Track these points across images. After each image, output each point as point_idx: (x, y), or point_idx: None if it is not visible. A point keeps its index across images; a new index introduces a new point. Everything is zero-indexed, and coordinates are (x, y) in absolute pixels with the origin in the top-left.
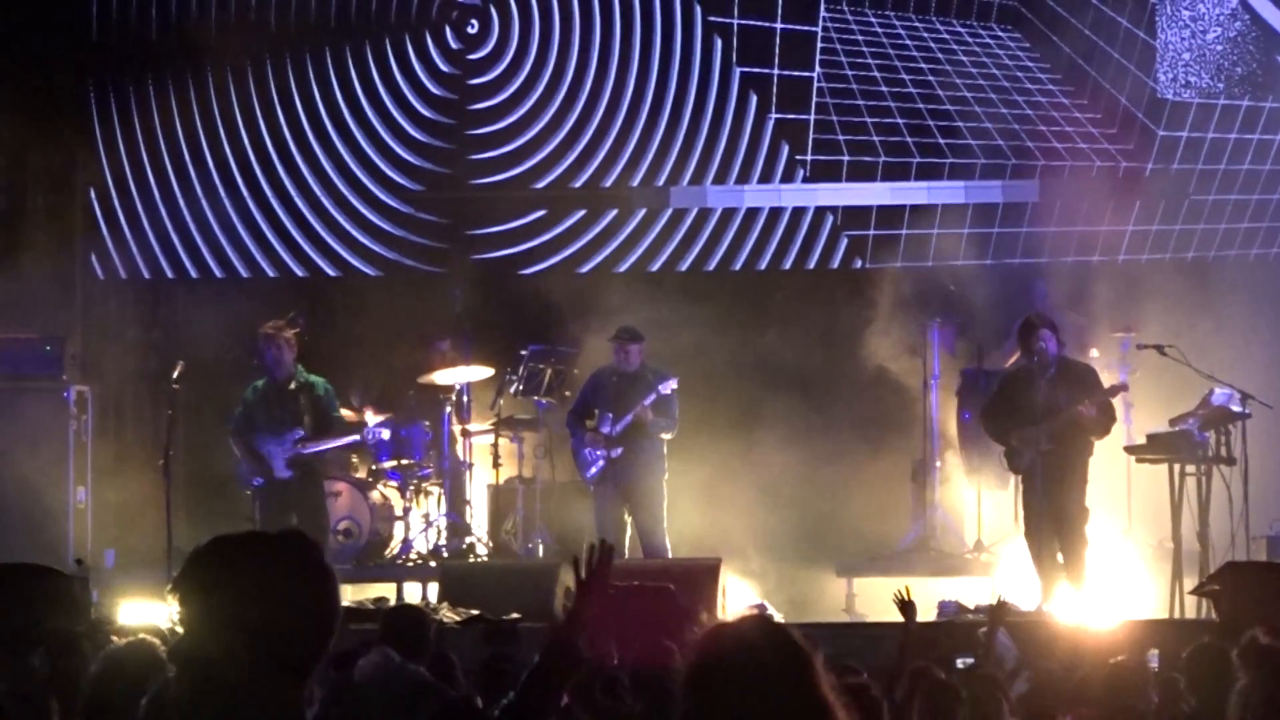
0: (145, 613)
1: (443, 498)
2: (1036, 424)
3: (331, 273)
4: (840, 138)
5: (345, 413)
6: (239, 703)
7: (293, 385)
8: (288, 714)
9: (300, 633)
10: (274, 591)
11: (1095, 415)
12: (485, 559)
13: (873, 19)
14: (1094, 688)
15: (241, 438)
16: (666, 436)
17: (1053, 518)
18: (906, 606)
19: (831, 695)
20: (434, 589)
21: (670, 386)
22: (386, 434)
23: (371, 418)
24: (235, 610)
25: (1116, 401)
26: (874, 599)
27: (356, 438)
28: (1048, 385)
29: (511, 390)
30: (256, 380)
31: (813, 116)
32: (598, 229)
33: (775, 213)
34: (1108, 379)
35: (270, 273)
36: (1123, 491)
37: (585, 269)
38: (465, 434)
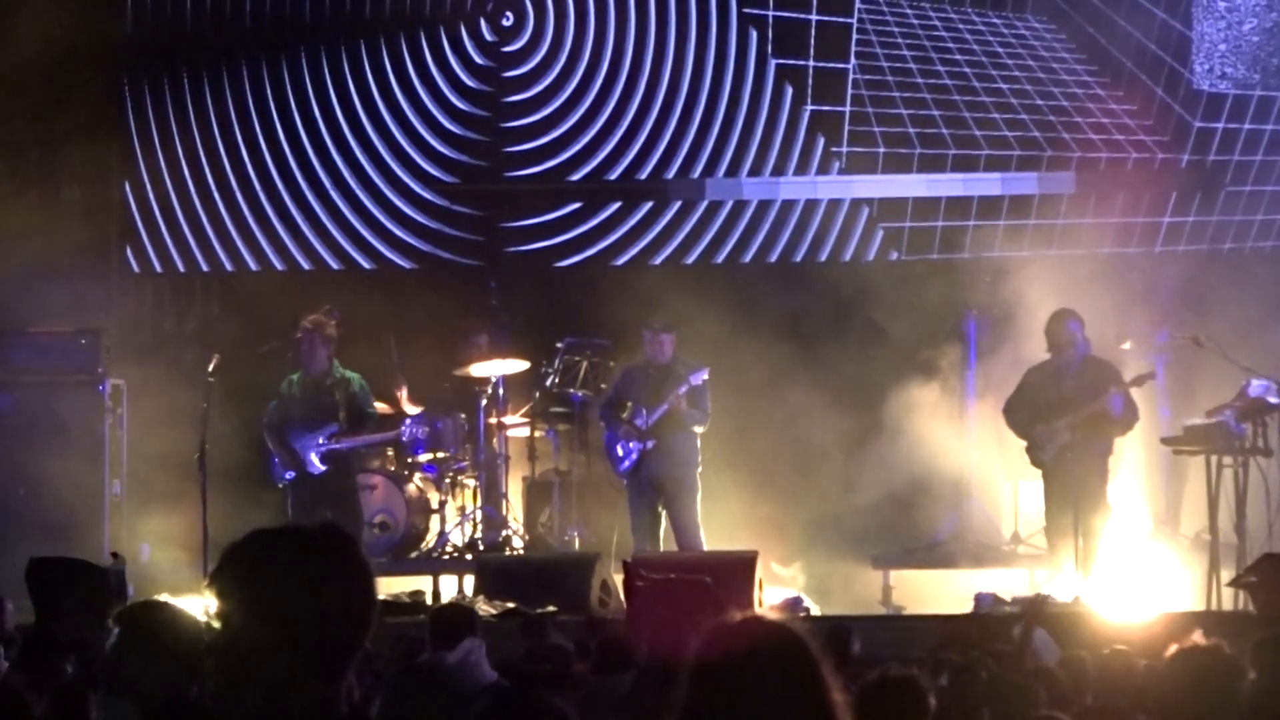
0: (181, 607)
1: (478, 491)
2: (1060, 418)
3: (367, 266)
4: (876, 129)
5: (380, 406)
6: (277, 697)
7: (328, 380)
8: (326, 709)
9: (337, 627)
10: (311, 585)
11: (1119, 409)
12: (521, 552)
13: (908, 10)
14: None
15: (275, 432)
16: (699, 429)
17: (1074, 512)
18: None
19: (838, 699)
20: (470, 582)
21: (702, 377)
22: (424, 431)
23: (406, 405)
24: (273, 604)
25: (1149, 392)
26: (911, 591)
27: (392, 435)
28: (1072, 380)
29: (547, 383)
30: (292, 374)
31: (848, 108)
32: (633, 221)
33: (811, 204)
34: (1138, 370)
35: (305, 266)
36: (1159, 483)
37: (621, 261)
38: (501, 427)
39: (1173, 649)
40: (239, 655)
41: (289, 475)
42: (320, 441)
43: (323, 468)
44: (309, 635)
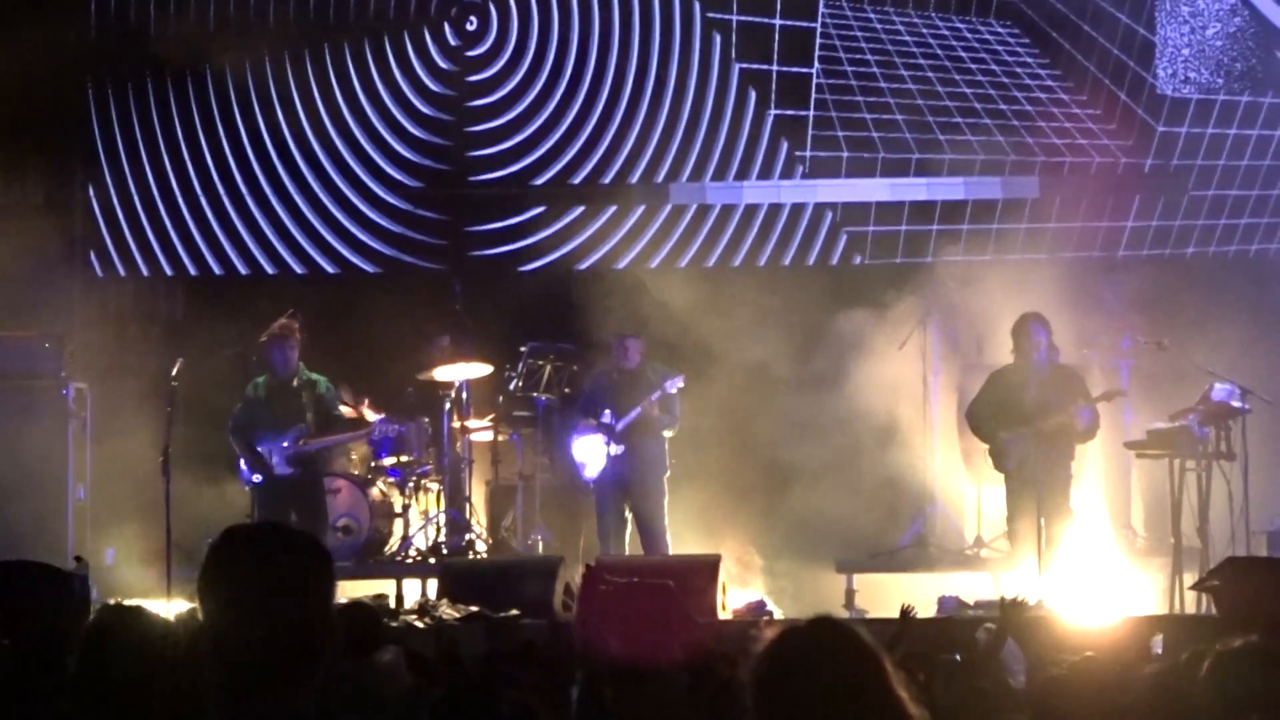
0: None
1: (442, 495)
2: (1025, 424)
3: (330, 270)
4: (840, 134)
5: (344, 410)
6: (270, 691)
7: (295, 383)
8: (292, 708)
9: (319, 623)
10: (299, 583)
11: (1086, 421)
12: (485, 556)
13: (872, 15)
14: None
15: (242, 435)
16: (668, 433)
17: (1037, 516)
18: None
19: (906, 695)
20: (434, 586)
21: (677, 384)
22: (394, 430)
23: (370, 415)
24: (266, 600)
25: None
26: (874, 595)
27: (363, 433)
28: (1037, 387)
29: (511, 387)
30: (258, 377)
31: (812, 113)
32: (597, 226)
33: (774, 209)
34: (1108, 379)
35: (269, 270)
36: (1124, 488)
37: (584, 266)
38: (465, 431)
39: None
40: (234, 648)
41: (256, 478)
42: (287, 444)
43: (289, 470)
44: (294, 631)
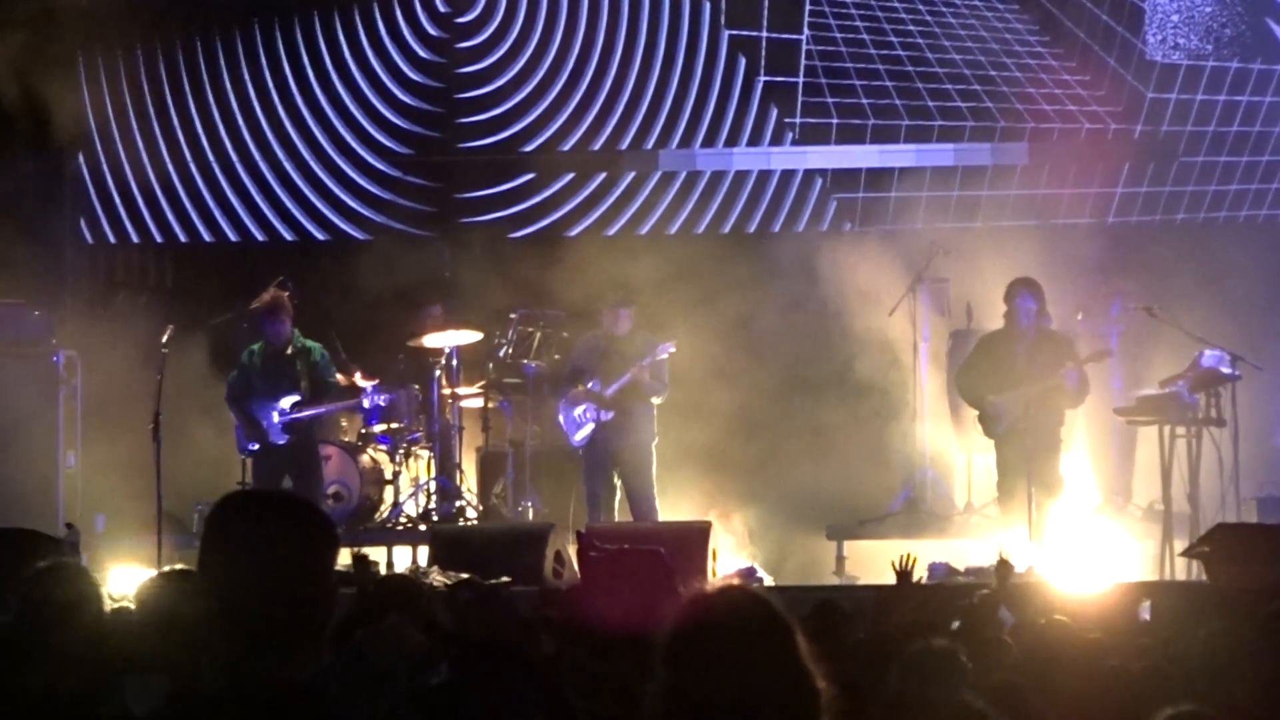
0: (135, 577)
1: (432, 462)
2: (1015, 388)
3: (320, 237)
4: (829, 100)
5: (338, 377)
6: (271, 657)
7: (289, 350)
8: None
9: (321, 589)
10: (301, 550)
11: (1074, 384)
12: (475, 522)
13: None
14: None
15: (237, 403)
16: (657, 400)
17: (1028, 482)
18: (903, 575)
19: (813, 664)
20: (424, 553)
21: (668, 350)
22: (385, 398)
23: (361, 381)
24: (268, 566)
25: (1103, 365)
26: (864, 562)
27: (354, 402)
28: (1026, 352)
29: (501, 354)
30: (252, 345)
31: (801, 79)
32: (587, 192)
33: (764, 175)
34: (1094, 345)
35: (259, 237)
36: (1111, 454)
37: (574, 232)
38: (454, 398)
39: None
40: (240, 613)
41: (252, 446)
42: (284, 409)
43: (285, 438)
44: (278, 599)
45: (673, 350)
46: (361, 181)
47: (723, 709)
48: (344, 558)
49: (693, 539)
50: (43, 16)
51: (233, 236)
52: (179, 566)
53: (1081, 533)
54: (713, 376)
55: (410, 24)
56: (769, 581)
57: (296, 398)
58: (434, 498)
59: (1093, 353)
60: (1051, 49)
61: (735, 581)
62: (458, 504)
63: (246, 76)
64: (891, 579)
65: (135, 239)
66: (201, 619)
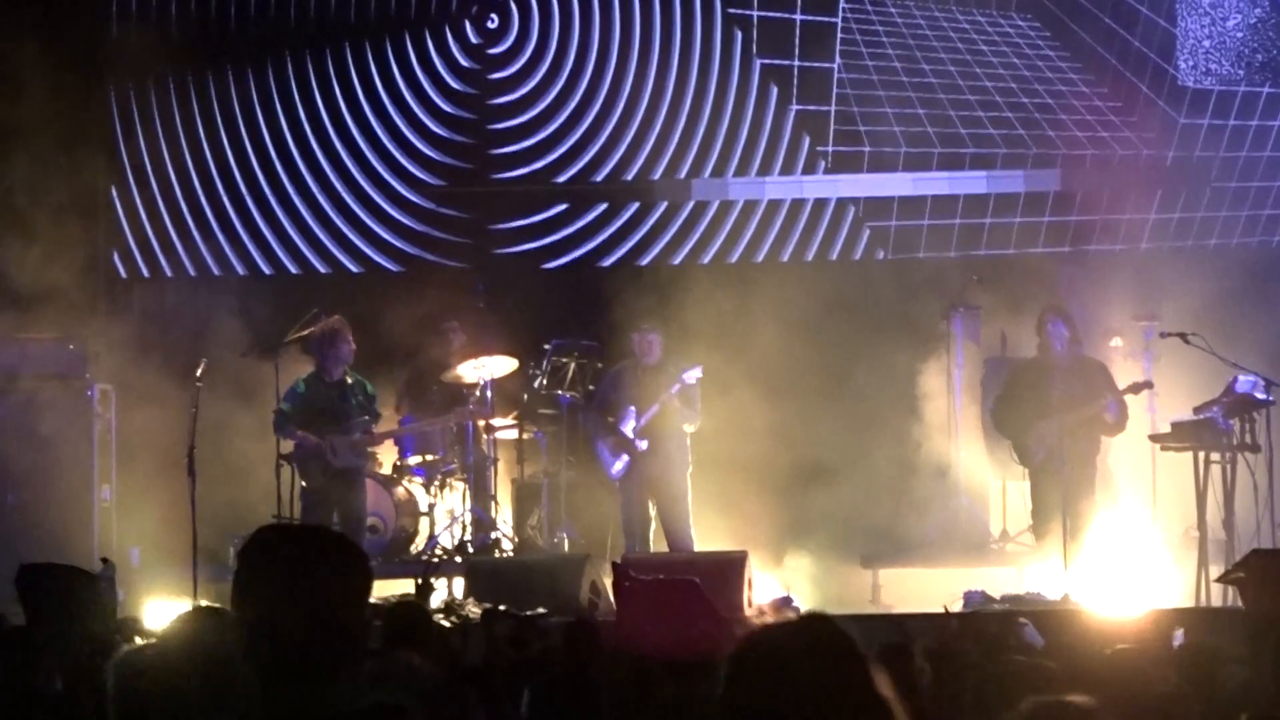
0: (171, 611)
1: (467, 493)
2: (1051, 417)
3: (354, 269)
4: (861, 128)
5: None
6: (304, 688)
7: (345, 381)
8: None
9: (354, 622)
10: (335, 584)
11: (1114, 414)
12: (510, 554)
13: (892, 9)
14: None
15: (296, 430)
16: (690, 428)
17: (1063, 510)
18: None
19: (890, 695)
20: (460, 584)
21: (696, 375)
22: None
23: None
24: (301, 602)
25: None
26: (900, 590)
27: (403, 431)
28: (1062, 380)
29: (535, 385)
30: (300, 376)
31: (834, 108)
32: (620, 222)
33: (797, 204)
34: (1132, 372)
35: (293, 269)
36: (1148, 480)
37: (608, 262)
38: (489, 429)
39: None
40: (277, 642)
41: (313, 470)
42: (356, 435)
43: (357, 461)
44: (312, 633)
45: (699, 374)
46: (395, 214)
47: None
48: (407, 586)
49: (729, 569)
50: (73, 50)
51: (266, 270)
52: (204, 603)
53: (1118, 558)
54: (746, 405)
55: (442, 55)
56: (804, 609)
57: (367, 418)
58: (469, 529)
59: (1133, 383)
60: (1083, 75)
61: (797, 610)
62: (493, 535)
63: (279, 109)
64: (928, 607)
65: (169, 273)
66: (233, 653)
